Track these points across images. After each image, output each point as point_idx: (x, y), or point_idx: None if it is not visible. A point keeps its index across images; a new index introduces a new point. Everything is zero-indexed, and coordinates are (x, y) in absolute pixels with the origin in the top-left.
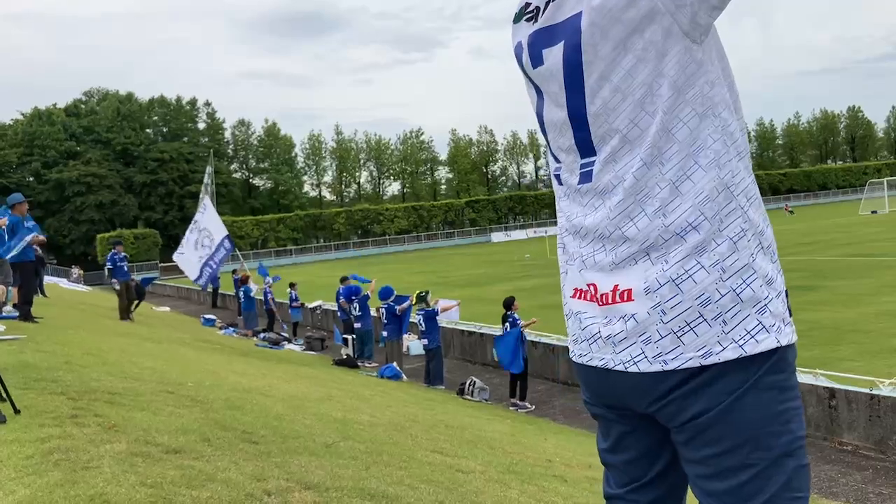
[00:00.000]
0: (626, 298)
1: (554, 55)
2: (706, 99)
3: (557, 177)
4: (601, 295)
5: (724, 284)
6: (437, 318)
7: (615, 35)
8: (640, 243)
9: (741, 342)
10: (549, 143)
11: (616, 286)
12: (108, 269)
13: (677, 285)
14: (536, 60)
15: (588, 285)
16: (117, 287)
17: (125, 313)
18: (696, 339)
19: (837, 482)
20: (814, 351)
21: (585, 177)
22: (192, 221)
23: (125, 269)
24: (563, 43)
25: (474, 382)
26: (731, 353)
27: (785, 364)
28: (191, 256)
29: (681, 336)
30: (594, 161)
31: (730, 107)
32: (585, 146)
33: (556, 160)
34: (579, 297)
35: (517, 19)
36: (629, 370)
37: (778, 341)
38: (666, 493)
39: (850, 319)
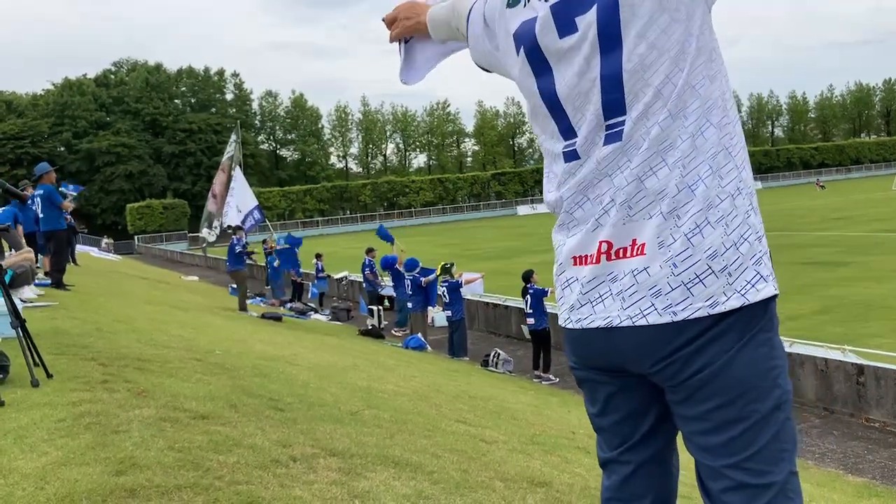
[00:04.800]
0: (640, 252)
1: (587, 20)
2: (715, 64)
3: (570, 153)
4: (616, 249)
5: (728, 238)
6: (462, 290)
7: None
8: (655, 193)
9: (743, 291)
10: (563, 119)
11: (634, 240)
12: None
13: (689, 239)
14: (567, 29)
15: (600, 242)
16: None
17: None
18: (704, 289)
19: (864, 459)
20: (843, 327)
21: (613, 137)
22: (229, 194)
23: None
24: (595, 6)
25: (498, 354)
26: (735, 302)
27: (773, 324)
28: (233, 220)
29: (690, 288)
30: (624, 120)
31: (727, 79)
32: (614, 106)
33: (567, 137)
34: (581, 263)
35: (514, 2)
36: (637, 323)
37: (774, 289)
38: (657, 451)
39: (881, 295)
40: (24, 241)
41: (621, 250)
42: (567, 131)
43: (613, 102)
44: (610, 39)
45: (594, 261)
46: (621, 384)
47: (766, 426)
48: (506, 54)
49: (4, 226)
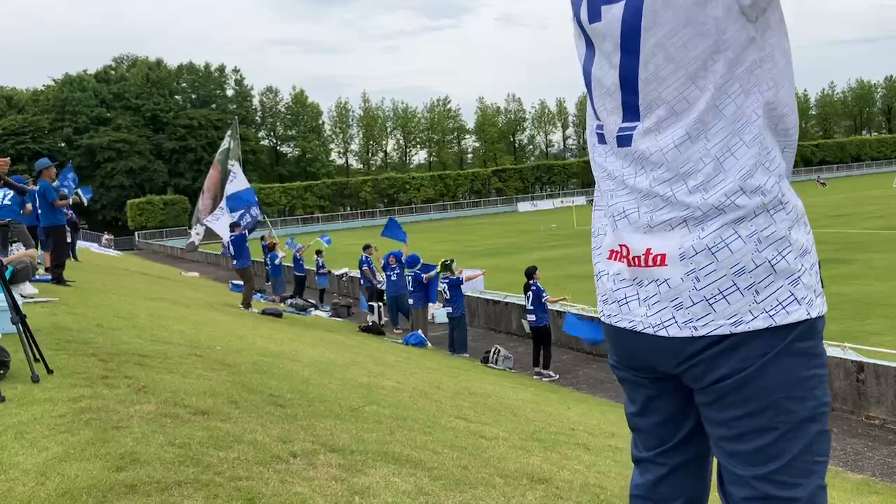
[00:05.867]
0: (658, 263)
1: (613, 14)
2: (753, 76)
3: (601, 135)
4: (633, 257)
5: (759, 255)
6: (462, 286)
7: (678, 4)
8: (678, 212)
9: (772, 312)
10: (592, 100)
11: (649, 249)
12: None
13: (713, 253)
14: (594, 16)
15: (620, 246)
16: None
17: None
18: (727, 307)
19: (864, 456)
20: (843, 324)
21: (623, 140)
22: (224, 192)
23: (247, 252)
24: (624, 3)
25: (499, 351)
26: (760, 323)
27: (814, 332)
28: (224, 223)
29: (713, 304)
30: (636, 126)
31: (777, 83)
32: (631, 110)
33: (598, 118)
34: (614, 259)
35: None
36: (658, 334)
37: (808, 313)
38: (694, 457)
39: (881, 293)
40: (29, 238)
41: (641, 257)
42: (596, 113)
43: (630, 106)
44: (630, 41)
45: (622, 260)
46: (660, 388)
47: (796, 437)
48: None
49: (4, 221)
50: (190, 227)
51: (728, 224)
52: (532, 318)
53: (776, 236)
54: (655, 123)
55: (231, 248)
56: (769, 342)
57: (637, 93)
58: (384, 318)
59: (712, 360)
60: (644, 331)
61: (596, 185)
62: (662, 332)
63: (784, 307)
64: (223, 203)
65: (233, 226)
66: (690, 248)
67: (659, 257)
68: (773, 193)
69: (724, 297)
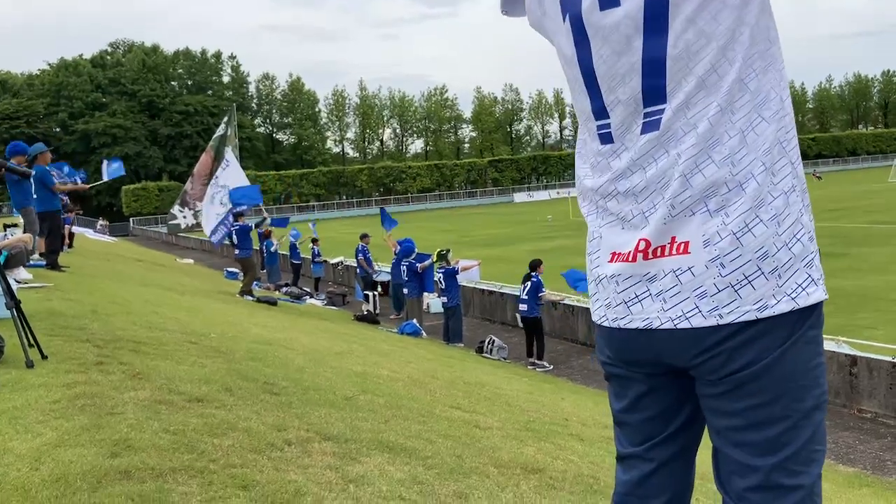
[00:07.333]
0: (682, 251)
1: None
2: (769, 54)
3: (605, 135)
4: (654, 249)
5: (779, 238)
6: (458, 276)
7: None
8: (702, 191)
9: (793, 295)
10: (597, 98)
11: (673, 238)
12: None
13: (738, 238)
14: (608, 2)
15: (640, 240)
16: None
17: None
18: (753, 292)
19: (856, 449)
20: (837, 318)
21: (651, 126)
22: (213, 177)
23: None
24: None
25: (493, 341)
26: (784, 306)
27: (820, 321)
28: (208, 211)
29: (738, 290)
30: (664, 108)
31: (783, 66)
32: (655, 93)
33: (599, 117)
34: (618, 260)
35: None
36: (679, 326)
37: (825, 293)
38: (680, 450)
39: (876, 287)
40: (37, 225)
41: (659, 249)
42: (600, 112)
43: (654, 89)
44: (656, 20)
45: (630, 259)
46: (653, 384)
47: (805, 426)
48: (552, 19)
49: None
50: (173, 207)
51: (752, 207)
52: (524, 307)
53: (791, 219)
54: (685, 100)
55: (234, 237)
56: (790, 328)
57: (664, 73)
58: (379, 308)
59: (734, 350)
60: (662, 326)
61: (590, 192)
62: (684, 324)
63: (804, 289)
64: (222, 198)
65: (236, 215)
66: (715, 234)
67: (682, 245)
68: (788, 173)
69: (749, 282)
